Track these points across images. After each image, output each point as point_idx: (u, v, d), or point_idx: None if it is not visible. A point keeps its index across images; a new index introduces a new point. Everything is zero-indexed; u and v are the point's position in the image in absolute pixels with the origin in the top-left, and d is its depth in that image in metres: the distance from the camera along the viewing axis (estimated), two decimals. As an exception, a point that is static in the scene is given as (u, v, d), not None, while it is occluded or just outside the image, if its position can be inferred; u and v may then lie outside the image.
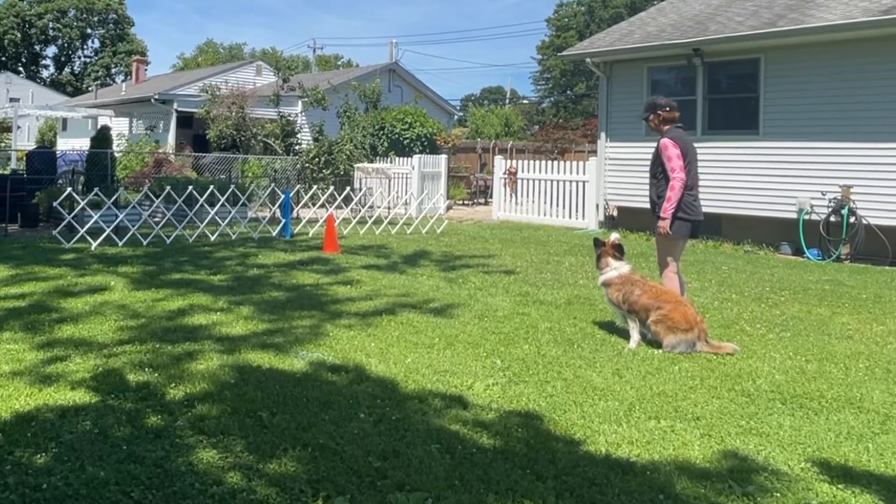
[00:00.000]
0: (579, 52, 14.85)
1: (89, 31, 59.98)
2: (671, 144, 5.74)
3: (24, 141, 31.13)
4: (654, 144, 6.00)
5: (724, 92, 12.55)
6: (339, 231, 11.28)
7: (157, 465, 3.13)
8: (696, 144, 10.54)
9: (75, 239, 9.86)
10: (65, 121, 32.89)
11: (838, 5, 11.26)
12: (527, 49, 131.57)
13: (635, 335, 5.37)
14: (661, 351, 5.21)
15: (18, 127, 28.45)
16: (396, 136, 19.47)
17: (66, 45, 59.41)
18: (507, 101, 58.25)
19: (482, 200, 21.23)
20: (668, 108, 5.91)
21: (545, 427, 3.71)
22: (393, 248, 10.53)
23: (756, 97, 11.88)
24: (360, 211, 13.59)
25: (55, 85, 55.97)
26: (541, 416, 3.86)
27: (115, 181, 15.04)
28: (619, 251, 5.71)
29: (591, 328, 5.86)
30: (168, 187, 11.66)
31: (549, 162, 15.75)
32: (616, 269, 5.61)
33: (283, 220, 11.71)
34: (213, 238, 10.82)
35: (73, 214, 10.04)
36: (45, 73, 60.51)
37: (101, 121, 26.42)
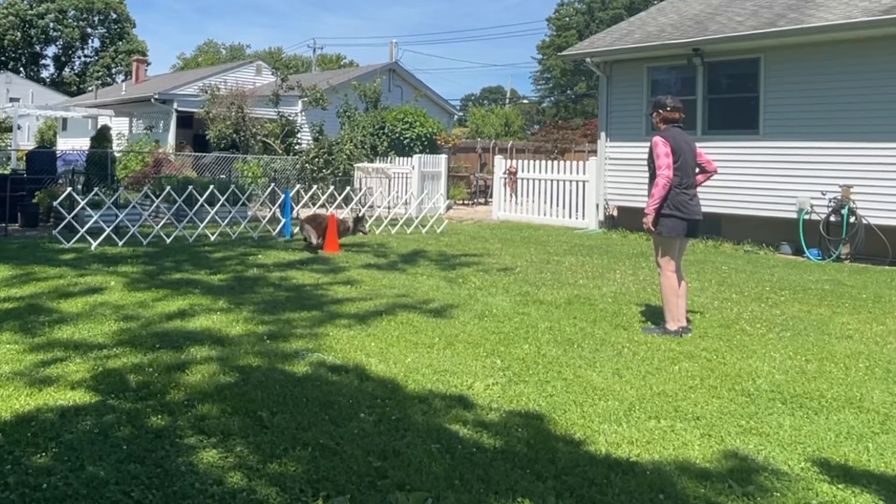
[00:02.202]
0: (579, 51, 14.85)
1: (89, 30, 60.00)
2: (661, 142, 5.73)
3: (24, 141, 31.13)
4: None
5: (724, 92, 12.55)
6: (339, 231, 11.27)
7: (158, 465, 3.13)
8: (696, 144, 10.36)
9: (75, 239, 9.86)
10: (65, 121, 32.88)
11: (838, 5, 11.26)
12: (527, 49, 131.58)
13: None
14: (662, 350, 5.22)
15: (18, 127, 28.45)
16: (396, 135, 19.46)
17: (66, 44, 59.42)
18: (507, 100, 58.30)
19: (482, 200, 21.23)
20: (669, 108, 5.90)
21: (545, 427, 3.71)
22: (393, 247, 10.54)
23: (756, 97, 11.88)
24: (360, 211, 13.59)
25: (55, 85, 55.98)
26: (541, 416, 3.86)
27: (115, 181, 15.04)
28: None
29: (591, 328, 5.86)
30: (168, 187, 11.67)
31: (549, 162, 15.75)
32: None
33: (283, 220, 11.71)
34: (212, 238, 10.82)
35: (73, 214, 10.04)
36: (45, 73, 60.55)
37: (101, 121, 26.42)
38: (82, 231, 9.95)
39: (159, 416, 3.67)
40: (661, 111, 5.93)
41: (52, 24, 56.97)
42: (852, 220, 10.56)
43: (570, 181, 14.81)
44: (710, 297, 7.38)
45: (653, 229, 5.80)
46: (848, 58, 10.93)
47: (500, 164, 16.34)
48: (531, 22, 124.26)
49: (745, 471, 3.27)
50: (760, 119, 11.79)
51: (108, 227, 10.23)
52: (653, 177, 5.91)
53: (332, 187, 14.83)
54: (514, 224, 14.87)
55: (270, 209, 13.24)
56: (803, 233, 10.99)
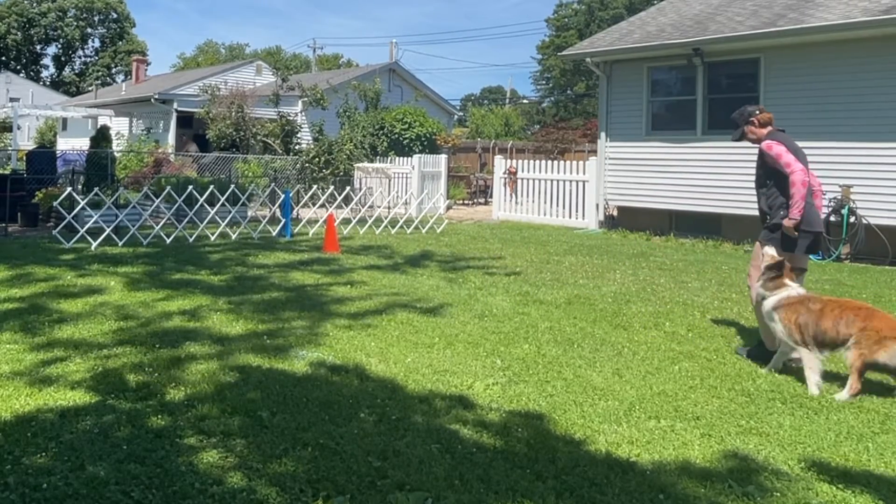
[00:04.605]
0: (579, 51, 14.85)
1: (90, 30, 60.03)
2: (773, 143, 5.21)
3: (24, 141, 31.13)
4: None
5: (724, 92, 12.55)
6: (339, 231, 11.28)
7: (158, 465, 3.13)
8: (696, 144, 10.32)
9: (75, 239, 9.86)
10: (65, 121, 32.88)
11: (838, 5, 11.26)
12: (527, 49, 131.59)
13: (814, 377, 4.40)
14: (662, 350, 5.21)
15: (18, 127, 28.45)
16: (396, 135, 19.47)
17: (66, 44, 59.45)
18: (507, 101, 58.30)
19: (482, 200, 21.23)
20: (759, 111, 5.44)
21: (545, 427, 3.71)
22: (393, 247, 10.54)
23: (756, 97, 11.87)
24: (360, 211, 13.59)
25: (56, 85, 56.00)
26: (541, 416, 3.86)
27: (115, 181, 15.04)
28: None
29: (591, 328, 5.86)
30: (168, 187, 11.67)
31: (549, 162, 15.75)
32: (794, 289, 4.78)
33: (283, 220, 11.71)
34: (212, 238, 10.82)
35: (73, 214, 10.04)
36: (45, 73, 60.59)
37: (101, 120, 26.42)
38: (82, 231, 9.95)
39: (159, 416, 3.67)
40: (754, 119, 5.42)
41: (52, 24, 56.99)
42: (852, 220, 10.57)
43: (570, 181, 14.81)
44: (710, 296, 7.38)
45: (795, 234, 5.14)
46: (848, 58, 10.93)
47: (500, 164, 16.34)
48: (531, 22, 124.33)
49: (745, 471, 3.27)
50: (760, 119, 11.78)
51: (108, 227, 10.23)
52: (765, 187, 5.35)
53: (332, 187, 14.83)
54: (514, 224, 14.87)
55: (270, 209, 13.24)
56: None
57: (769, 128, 5.43)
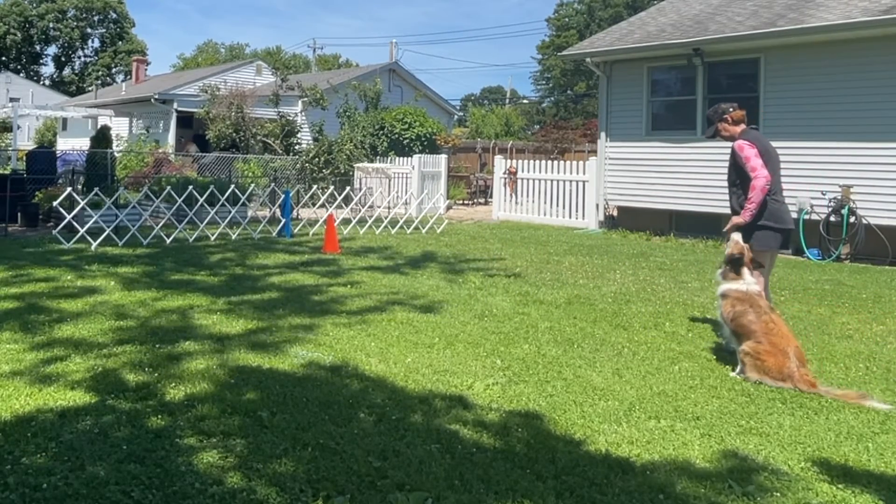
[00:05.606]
0: (579, 51, 14.85)
1: (89, 30, 60.07)
2: (746, 145, 5.33)
3: (23, 141, 31.13)
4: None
5: (724, 92, 12.53)
6: (339, 231, 11.28)
7: (157, 465, 3.13)
8: (695, 145, 10.37)
9: (75, 239, 9.86)
10: (65, 121, 32.89)
11: (838, 5, 11.26)
12: (527, 49, 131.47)
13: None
14: (662, 350, 5.22)
15: (18, 127, 28.45)
16: (396, 135, 19.47)
17: (66, 44, 59.48)
18: (507, 101, 58.33)
19: (482, 200, 21.23)
20: (733, 108, 5.51)
21: (545, 427, 3.71)
22: (393, 247, 10.54)
23: (756, 97, 11.88)
24: (360, 211, 13.59)
25: (55, 85, 56.03)
26: (541, 416, 3.86)
27: (116, 181, 15.04)
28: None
29: (591, 328, 5.86)
30: (168, 187, 11.67)
31: (549, 162, 15.75)
32: (746, 283, 4.96)
33: (283, 220, 11.71)
34: (212, 238, 10.82)
35: (73, 214, 10.04)
36: (45, 73, 60.64)
37: (101, 121, 26.44)
38: (82, 231, 9.94)
39: (159, 416, 3.67)
40: (727, 117, 5.50)
41: (52, 24, 57.00)
42: (852, 220, 10.57)
43: (570, 181, 14.82)
44: (710, 296, 7.37)
45: (738, 232, 5.29)
46: (848, 58, 10.93)
47: (500, 164, 16.34)
48: (531, 22, 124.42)
49: (745, 471, 3.27)
50: (760, 119, 11.77)
51: (108, 227, 10.23)
52: (735, 187, 5.47)
53: (332, 187, 14.83)
54: (514, 224, 14.87)
55: (270, 209, 13.24)
56: (803, 233, 10.99)
57: (742, 125, 5.53)
